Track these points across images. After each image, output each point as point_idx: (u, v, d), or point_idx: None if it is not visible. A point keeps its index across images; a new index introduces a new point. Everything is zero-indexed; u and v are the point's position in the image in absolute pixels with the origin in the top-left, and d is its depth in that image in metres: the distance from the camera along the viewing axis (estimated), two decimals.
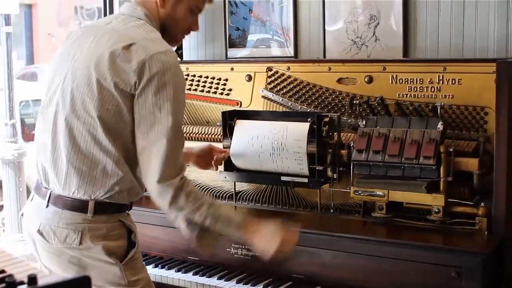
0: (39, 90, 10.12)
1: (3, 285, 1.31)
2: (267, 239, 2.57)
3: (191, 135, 3.64)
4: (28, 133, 9.03)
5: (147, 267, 3.13)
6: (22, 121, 8.94)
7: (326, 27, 3.68)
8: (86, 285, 1.31)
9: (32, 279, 1.26)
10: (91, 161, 2.47)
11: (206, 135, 3.60)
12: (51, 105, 2.57)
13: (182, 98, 2.49)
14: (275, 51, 3.89)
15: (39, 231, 2.56)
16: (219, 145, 3.39)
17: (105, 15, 4.25)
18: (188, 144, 3.32)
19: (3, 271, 1.46)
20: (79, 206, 2.50)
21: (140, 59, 2.39)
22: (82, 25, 2.96)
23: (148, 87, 2.39)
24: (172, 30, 2.68)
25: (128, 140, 2.48)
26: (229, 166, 3.36)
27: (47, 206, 2.58)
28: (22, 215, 2.72)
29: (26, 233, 2.67)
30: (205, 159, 3.30)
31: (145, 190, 2.66)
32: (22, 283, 1.30)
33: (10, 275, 1.40)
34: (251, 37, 3.98)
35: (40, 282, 1.28)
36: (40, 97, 2.68)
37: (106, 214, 2.52)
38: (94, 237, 2.49)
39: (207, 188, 3.54)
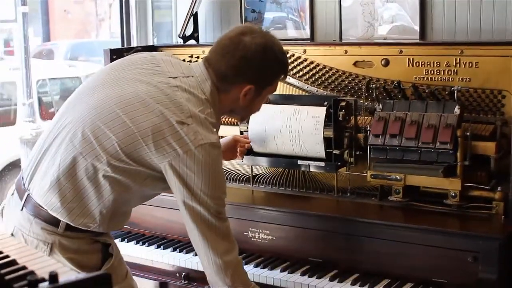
0: (55, 68, 10.15)
1: (25, 282, 1.32)
2: None
3: None
4: (45, 111, 9.07)
5: (165, 251, 3.19)
6: (40, 99, 8.98)
7: (342, 9, 3.66)
8: (107, 282, 1.31)
9: (53, 277, 1.26)
10: (78, 193, 2.42)
11: (222, 119, 3.60)
12: (72, 111, 2.51)
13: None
14: (291, 32, 3.87)
15: (12, 235, 2.50)
16: (235, 129, 3.41)
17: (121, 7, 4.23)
18: None
19: (24, 267, 1.47)
20: (51, 220, 2.44)
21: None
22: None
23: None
24: (243, 115, 2.81)
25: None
26: (247, 150, 3.37)
27: (22, 209, 2.50)
28: (2, 209, 2.66)
29: (4, 230, 2.58)
30: (230, 152, 3.32)
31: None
32: (43, 280, 1.29)
33: (32, 273, 1.42)
34: (267, 17, 3.96)
35: (61, 279, 1.28)
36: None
37: (78, 232, 2.47)
38: (64, 251, 2.44)
39: (224, 171, 3.54)
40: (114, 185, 2.41)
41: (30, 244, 2.44)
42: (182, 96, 2.43)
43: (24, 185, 2.52)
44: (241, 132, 3.42)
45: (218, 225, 2.46)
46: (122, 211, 2.57)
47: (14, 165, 8.39)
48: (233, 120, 3.54)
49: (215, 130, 2.49)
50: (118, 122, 2.38)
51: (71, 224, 2.42)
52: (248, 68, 2.55)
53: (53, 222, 2.43)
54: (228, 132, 3.43)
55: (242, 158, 3.36)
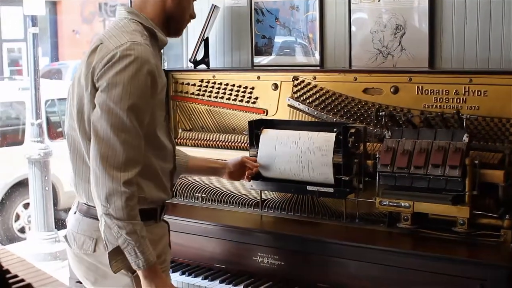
0: (64, 88, 10.21)
1: None
2: None
3: (218, 143, 3.69)
4: (53, 131, 9.13)
5: (173, 274, 3.20)
6: (48, 119, 9.04)
7: (352, 36, 3.70)
8: None
9: None
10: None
11: (233, 143, 3.64)
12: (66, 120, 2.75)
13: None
14: (300, 58, 3.91)
15: (65, 237, 2.71)
16: (245, 153, 3.43)
17: None
18: (219, 157, 3.39)
19: (29, 285, 1.48)
20: (94, 213, 2.55)
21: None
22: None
23: None
24: (179, 21, 2.78)
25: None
26: (256, 175, 3.39)
27: (75, 212, 2.71)
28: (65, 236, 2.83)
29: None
30: (238, 173, 3.35)
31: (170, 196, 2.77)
32: None
33: None
34: (276, 41, 4.01)
35: None
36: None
37: None
38: None
39: (233, 196, 3.57)
40: None
41: (78, 241, 2.65)
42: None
43: (77, 194, 2.71)
44: (250, 156, 3.43)
45: None
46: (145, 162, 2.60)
47: (22, 184, 8.44)
48: (242, 144, 3.58)
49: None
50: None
51: None
52: None
53: (96, 215, 2.53)
54: (237, 156, 3.45)
55: (249, 180, 3.39)
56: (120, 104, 2.42)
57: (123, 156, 2.42)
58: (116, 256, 2.48)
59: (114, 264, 2.50)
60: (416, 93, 3.21)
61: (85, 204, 2.65)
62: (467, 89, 3.09)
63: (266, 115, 3.61)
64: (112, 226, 2.43)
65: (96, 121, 2.46)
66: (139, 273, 2.50)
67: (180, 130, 3.89)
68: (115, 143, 2.42)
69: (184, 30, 4.22)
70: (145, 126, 2.51)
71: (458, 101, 3.11)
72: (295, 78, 3.52)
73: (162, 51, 4.15)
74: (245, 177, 3.38)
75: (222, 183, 3.61)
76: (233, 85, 3.73)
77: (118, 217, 2.42)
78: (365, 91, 3.34)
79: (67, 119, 2.69)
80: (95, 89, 2.50)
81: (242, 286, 3.10)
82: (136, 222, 2.45)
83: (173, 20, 2.73)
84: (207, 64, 4.02)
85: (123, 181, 2.41)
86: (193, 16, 2.83)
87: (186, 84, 3.89)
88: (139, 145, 2.47)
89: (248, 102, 3.69)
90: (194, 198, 3.69)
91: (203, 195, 3.65)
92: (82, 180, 2.57)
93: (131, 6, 2.74)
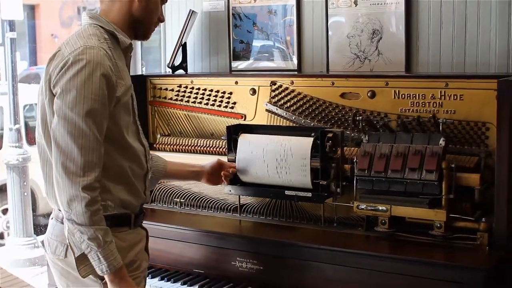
0: None
1: None
2: None
3: (196, 148, 3.71)
4: (32, 136, 9.07)
5: (152, 279, 3.20)
6: (26, 124, 8.99)
7: (329, 41, 3.72)
8: None
9: None
10: None
11: (211, 148, 3.65)
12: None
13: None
14: (279, 63, 3.92)
15: (42, 242, 2.75)
16: (223, 158, 3.43)
17: None
18: (198, 162, 3.39)
19: None
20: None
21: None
22: None
23: None
24: (146, 24, 2.76)
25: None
26: (234, 180, 3.39)
27: (52, 218, 2.72)
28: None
29: None
30: (215, 176, 3.35)
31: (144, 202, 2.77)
32: None
33: None
34: (255, 45, 4.02)
35: None
36: None
37: None
38: None
39: (212, 201, 3.58)
40: None
41: (51, 246, 2.66)
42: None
43: (48, 200, 2.70)
44: (229, 161, 3.44)
45: None
46: (114, 166, 2.62)
47: (0, 190, 8.38)
48: (221, 149, 3.59)
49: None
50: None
51: None
52: None
53: None
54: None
55: (228, 182, 3.39)
56: (75, 109, 2.42)
57: (81, 161, 2.42)
58: (84, 261, 2.48)
59: (82, 269, 2.50)
60: (393, 97, 3.23)
61: (57, 210, 2.65)
62: (443, 93, 3.11)
63: (244, 120, 3.62)
64: (74, 231, 2.45)
65: (54, 127, 2.47)
66: (105, 277, 2.50)
67: (158, 135, 3.89)
68: (72, 148, 2.42)
69: (162, 35, 4.25)
70: (105, 130, 2.51)
71: (435, 105, 3.13)
72: (273, 83, 3.53)
73: (140, 55, 4.17)
74: (222, 179, 3.38)
75: (200, 188, 3.61)
76: (211, 90, 3.74)
77: (79, 223, 2.42)
78: (343, 95, 3.36)
79: (37, 126, 2.69)
80: (53, 96, 2.51)
81: None
82: (98, 227, 2.45)
83: (140, 23, 2.73)
84: (185, 69, 4.02)
85: (82, 186, 2.41)
86: (161, 19, 2.83)
87: (164, 89, 3.89)
88: (97, 149, 2.47)
89: (226, 107, 3.69)
90: (173, 203, 3.68)
91: (181, 200, 3.65)
92: (52, 187, 2.56)
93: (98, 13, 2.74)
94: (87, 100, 2.43)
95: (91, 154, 2.44)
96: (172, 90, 3.86)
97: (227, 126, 3.43)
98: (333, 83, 3.38)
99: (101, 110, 2.47)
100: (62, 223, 2.57)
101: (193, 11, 3.98)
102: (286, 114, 3.50)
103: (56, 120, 2.46)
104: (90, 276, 2.51)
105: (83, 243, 2.44)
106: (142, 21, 2.73)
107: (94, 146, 2.45)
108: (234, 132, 3.40)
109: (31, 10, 17.22)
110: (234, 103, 3.67)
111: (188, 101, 3.81)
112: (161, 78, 3.94)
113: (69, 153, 2.42)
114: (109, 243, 2.47)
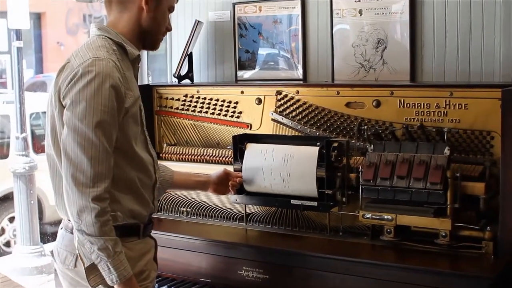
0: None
1: None
2: None
3: (202, 157, 3.72)
4: (38, 145, 9.10)
5: None
6: (33, 132, 9.02)
7: (334, 50, 3.73)
8: None
9: None
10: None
11: (217, 158, 3.67)
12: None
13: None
14: (284, 72, 3.94)
15: (51, 252, 2.76)
16: (229, 168, 3.45)
17: None
18: (204, 171, 3.40)
19: None
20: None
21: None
22: None
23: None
24: (154, 34, 2.78)
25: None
26: (240, 189, 3.41)
27: (61, 228, 2.75)
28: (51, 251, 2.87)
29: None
30: (222, 186, 3.37)
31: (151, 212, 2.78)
32: None
33: None
34: (260, 53, 4.04)
35: None
36: None
37: None
38: None
39: (218, 210, 3.59)
40: None
41: (61, 256, 2.69)
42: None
43: (58, 210, 2.74)
44: (235, 170, 3.45)
45: None
46: (123, 176, 2.64)
47: (7, 198, 8.41)
48: (227, 159, 3.61)
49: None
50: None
51: None
52: None
53: None
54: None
55: (235, 192, 3.41)
56: (85, 121, 2.44)
57: (91, 172, 2.44)
58: (94, 271, 2.50)
59: (92, 279, 2.51)
60: (398, 106, 3.24)
61: (67, 220, 2.67)
62: (448, 103, 3.13)
63: (250, 129, 3.64)
64: (84, 242, 2.46)
65: (64, 139, 2.49)
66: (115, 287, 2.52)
67: (164, 145, 3.91)
68: (82, 160, 2.44)
69: (168, 45, 4.27)
70: (114, 141, 2.53)
71: (439, 114, 3.15)
72: (278, 93, 3.55)
73: (146, 65, 4.19)
74: (229, 188, 3.40)
75: (206, 197, 3.63)
76: (217, 100, 3.76)
77: (89, 233, 2.44)
78: (348, 105, 3.37)
79: (46, 137, 2.71)
80: (62, 107, 2.53)
81: None
82: (108, 238, 2.46)
83: (149, 33, 2.75)
84: (191, 79, 4.04)
85: (92, 197, 2.43)
86: (169, 29, 2.85)
87: (170, 99, 3.91)
88: (107, 160, 2.49)
89: (232, 116, 3.71)
90: (179, 213, 3.70)
91: (188, 209, 3.67)
92: (61, 197, 2.58)
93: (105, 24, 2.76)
94: (96, 111, 2.45)
95: (101, 165, 2.46)
96: (178, 99, 3.88)
97: (233, 136, 3.45)
98: (338, 93, 3.39)
99: (111, 121, 2.49)
100: (72, 233, 2.58)
101: (199, 21, 4.01)
102: (291, 123, 3.52)
103: (66, 132, 2.48)
104: (100, 286, 2.52)
105: (93, 253, 2.46)
106: (151, 31, 2.75)
107: (104, 157, 2.47)
108: (240, 142, 3.42)
109: (37, 18, 17.28)
110: (240, 112, 3.69)
111: (194, 111, 3.83)
112: (167, 88, 3.96)
113: (79, 164, 2.44)
114: (119, 253, 2.49)
